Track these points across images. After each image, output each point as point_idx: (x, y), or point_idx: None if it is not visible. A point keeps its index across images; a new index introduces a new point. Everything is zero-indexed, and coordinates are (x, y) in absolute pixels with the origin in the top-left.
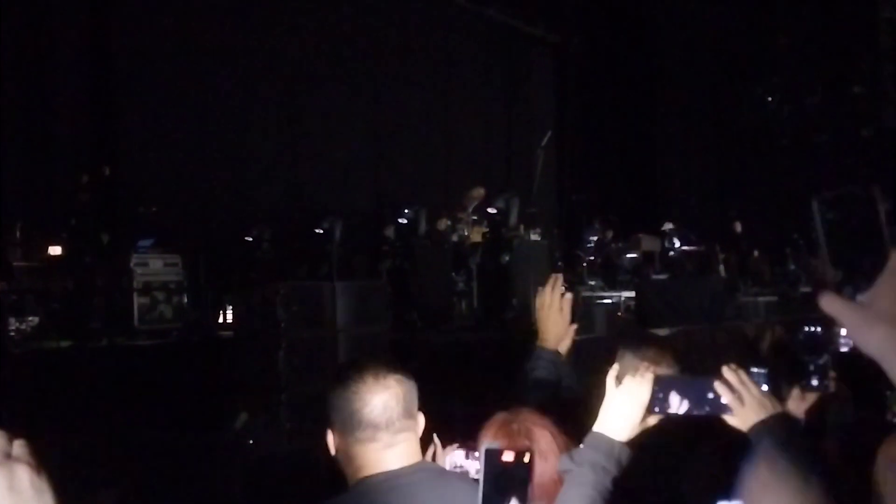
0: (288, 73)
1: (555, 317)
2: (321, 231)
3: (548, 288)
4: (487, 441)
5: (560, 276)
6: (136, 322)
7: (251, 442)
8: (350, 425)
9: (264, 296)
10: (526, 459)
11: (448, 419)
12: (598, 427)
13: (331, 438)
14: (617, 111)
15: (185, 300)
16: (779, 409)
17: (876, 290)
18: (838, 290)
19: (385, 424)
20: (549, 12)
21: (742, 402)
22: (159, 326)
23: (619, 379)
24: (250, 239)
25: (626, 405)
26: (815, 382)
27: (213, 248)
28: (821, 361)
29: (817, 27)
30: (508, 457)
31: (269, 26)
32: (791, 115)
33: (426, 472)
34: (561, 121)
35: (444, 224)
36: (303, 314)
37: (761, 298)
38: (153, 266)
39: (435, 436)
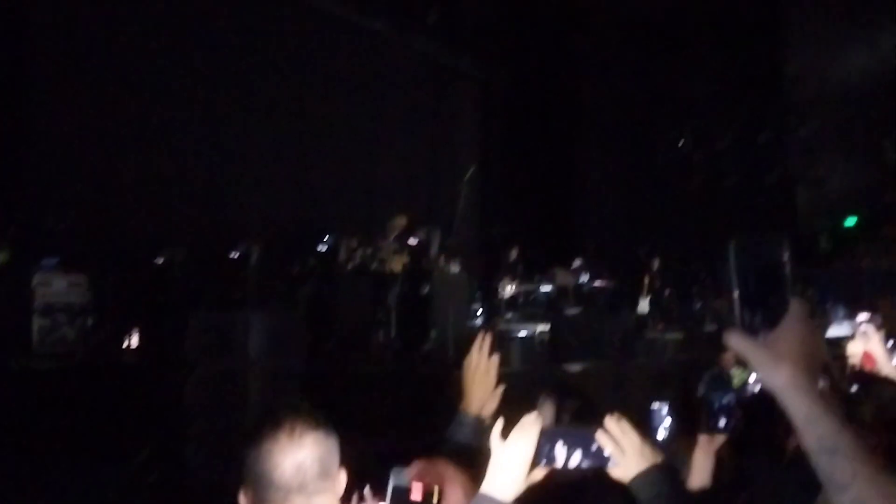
0: (209, 95)
1: (480, 379)
2: (237, 255)
3: (475, 349)
4: (395, 478)
5: (488, 336)
6: (34, 344)
7: (153, 478)
8: (261, 486)
9: (172, 324)
10: (434, 500)
11: (365, 454)
12: (484, 487)
13: (242, 496)
14: (538, 148)
15: (90, 323)
16: (658, 459)
17: (780, 331)
18: (747, 329)
19: (298, 487)
20: (476, 47)
21: (623, 452)
22: (60, 350)
23: (503, 434)
24: (162, 261)
25: (510, 461)
26: (721, 424)
27: (122, 270)
28: (725, 402)
29: (729, 77)
30: (416, 495)
31: (192, 45)
32: (702, 158)
33: None
34: (484, 154)
35: (364, 252)
36: (213, 345)
37: (669, 336)
38: (56, 286)
39: (367, 490)
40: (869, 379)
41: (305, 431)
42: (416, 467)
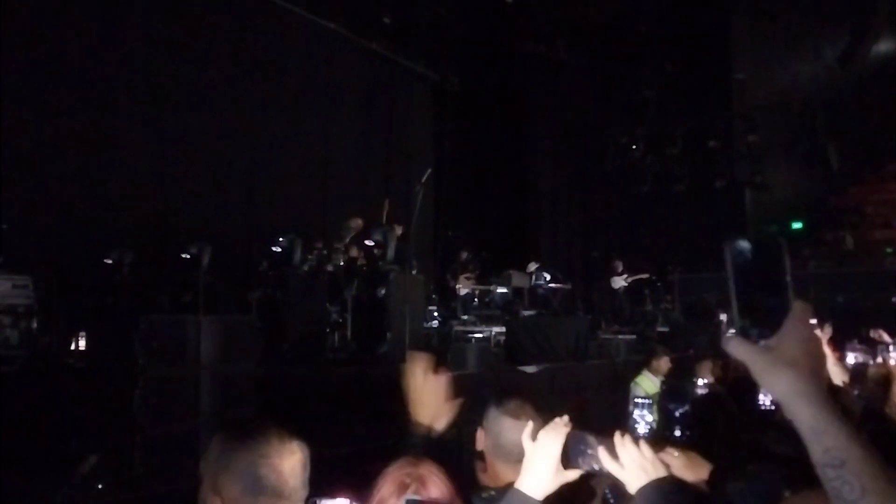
0: (160, 92)
1: (427, 398)
2: (188, 256)
3: (416, 370)
4: (409, 493)
5: (427, 357)
6: None
7: (99, 487)
8: (253, 491)
9: (120, 328)
10: None
11: (322, 459)
12: (518, 483)
13: (215, 502)
14: (491, 151)
15: (35, 326)
16: (661, 472)
17: (781, 336)
18: (745, 334)
19: (289, 493)
20: (430, 50)
21: (621, 467)
22: (3, 353)
23: (534, 436)
24: (110, 262)
25: (538, 461)
26: (677, 433)
27: (69, 271)
28: (683, 411)
29: (679, 85)
30: None
31: (141, 42)
32: (653, 163)
33: None
34: (438, 157)
35: (320, 254)
36: (163, 350)
37: (621, 336)
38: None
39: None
40: None
41: (290, 437)
42: (398, 466)
